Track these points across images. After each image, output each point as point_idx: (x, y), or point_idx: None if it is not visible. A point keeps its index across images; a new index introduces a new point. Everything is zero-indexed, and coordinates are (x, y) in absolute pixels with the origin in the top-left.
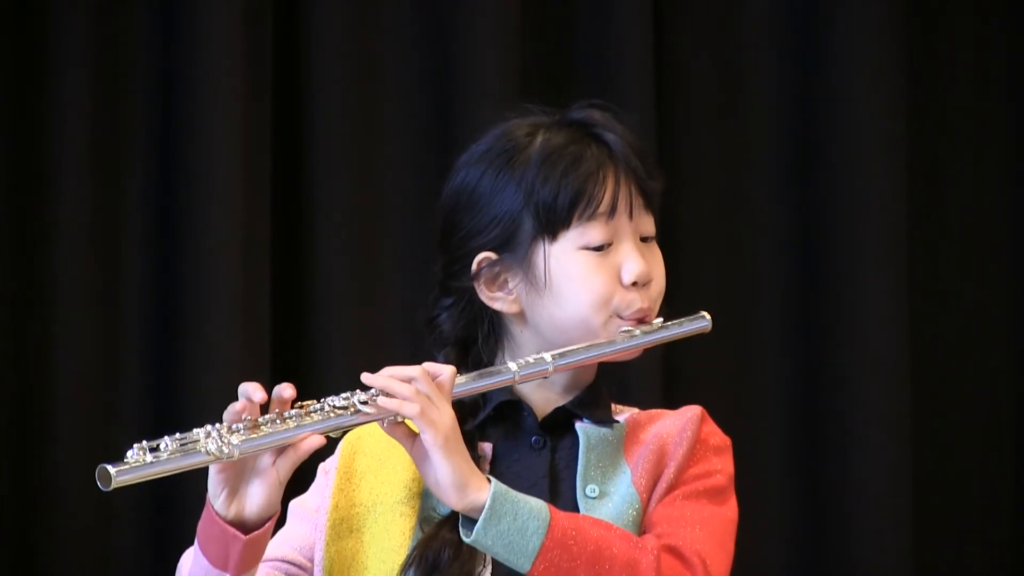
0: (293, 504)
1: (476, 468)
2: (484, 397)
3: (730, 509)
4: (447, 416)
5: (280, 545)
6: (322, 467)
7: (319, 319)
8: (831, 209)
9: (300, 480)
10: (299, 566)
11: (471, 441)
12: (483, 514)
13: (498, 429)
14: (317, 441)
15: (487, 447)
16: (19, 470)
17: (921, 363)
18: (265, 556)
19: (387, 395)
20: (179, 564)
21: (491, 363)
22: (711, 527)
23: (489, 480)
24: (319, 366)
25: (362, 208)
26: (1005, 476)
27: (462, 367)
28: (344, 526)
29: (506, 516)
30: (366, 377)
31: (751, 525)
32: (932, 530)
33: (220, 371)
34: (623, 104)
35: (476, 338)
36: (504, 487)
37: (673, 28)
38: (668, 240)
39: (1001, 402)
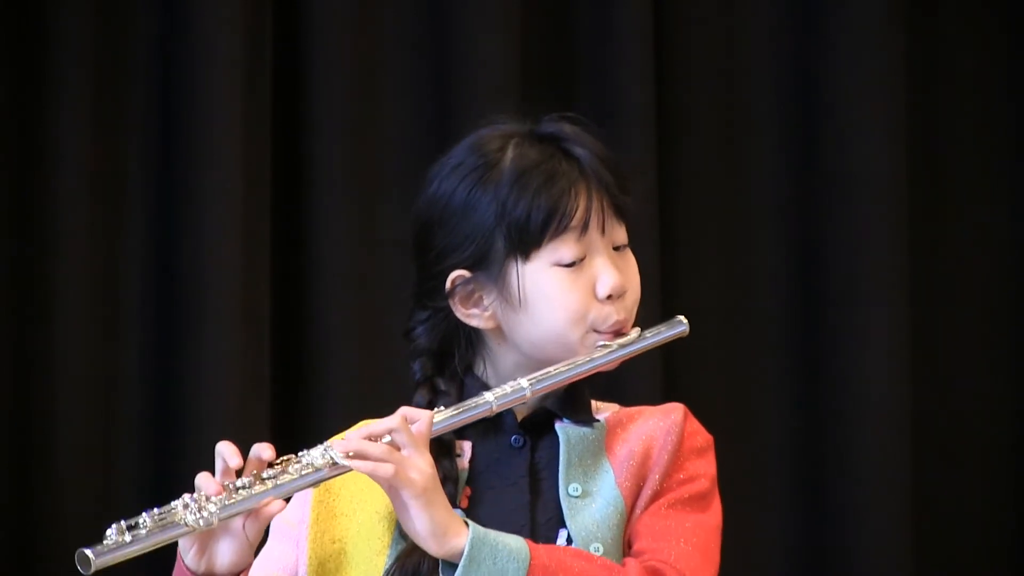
0: (275, 519)
1: (454, 514)
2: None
3: (713, 515)
4: (424, 466)
5: (264, 565)
6: None
7: (320, 319)
8: (831, 209)
9: None
10: None
11: (449, 446)
12: (462, 560)
13: (477, 429)
14: (278, 506)
15: (466, 445)
16: (19, 472)
17: (921, 364)
18: None
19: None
20: None
21: (469, 371)
22: (695, 539)
23: (467, 524)
24: (319, 366)
25: (362, 208)
26: (1005, 477)
27: (439, 377)
28: (326, 537)
29: (485, 561)
30: (339, 443)
31: (751, 526)
32: (932, 530)
33: (220, 371)
34: (623, 106)
35: (453, 352)
36: (482, 530)
37: (673, 28)
38: (668, 241)
39: (1001, 403)
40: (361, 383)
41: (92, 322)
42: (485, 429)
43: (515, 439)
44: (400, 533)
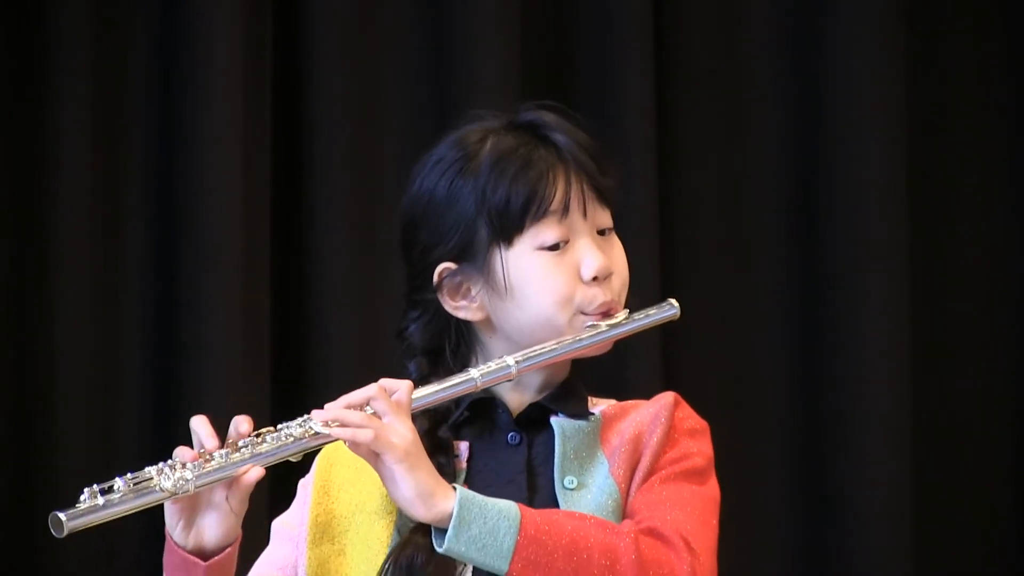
0: (276, 523)
1: (441, 478)
2: (457, 399)
3: (710, 488)
4: (405, 431)
5: (264, 567)
6: (302, 483)
7: (319, 319)
8: (832, 209)
9: (285, 497)
10: None
11: (446, 443)
12: (452, 521)
13: (474, 428)
14: (256, 473)
15: (463, 446)
16: (19, 472)
17: (921, 363)
18: None
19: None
20: None
21: (464, 369)
22: (691, 506)
23: (454, 488)
24: (319, 366)
25: (362, 208)
26: (1005, 476)
27: (433, 376)
28: (325, 538)
29: (475, 520)
30: (317, 413)
31: (751, 526)
32: (932, 530)
33: (220, 371)
34: (623, 105)
35: (445, 348)
36: (470, 492)
37: (673, 28)
38: (668, 241)
39: (1001, 403)
40: (361, 383)
41: (92, 322)
42: (482, 428)
43: (511, 436)
44: (399, 532)
